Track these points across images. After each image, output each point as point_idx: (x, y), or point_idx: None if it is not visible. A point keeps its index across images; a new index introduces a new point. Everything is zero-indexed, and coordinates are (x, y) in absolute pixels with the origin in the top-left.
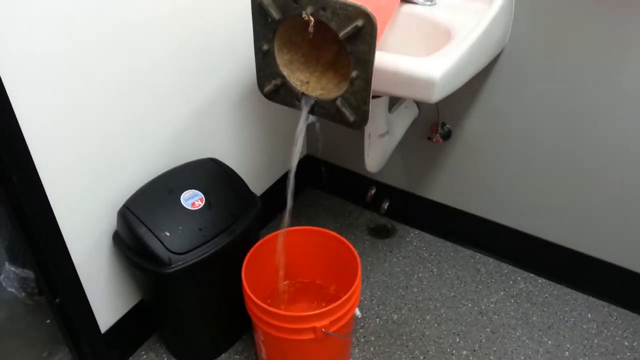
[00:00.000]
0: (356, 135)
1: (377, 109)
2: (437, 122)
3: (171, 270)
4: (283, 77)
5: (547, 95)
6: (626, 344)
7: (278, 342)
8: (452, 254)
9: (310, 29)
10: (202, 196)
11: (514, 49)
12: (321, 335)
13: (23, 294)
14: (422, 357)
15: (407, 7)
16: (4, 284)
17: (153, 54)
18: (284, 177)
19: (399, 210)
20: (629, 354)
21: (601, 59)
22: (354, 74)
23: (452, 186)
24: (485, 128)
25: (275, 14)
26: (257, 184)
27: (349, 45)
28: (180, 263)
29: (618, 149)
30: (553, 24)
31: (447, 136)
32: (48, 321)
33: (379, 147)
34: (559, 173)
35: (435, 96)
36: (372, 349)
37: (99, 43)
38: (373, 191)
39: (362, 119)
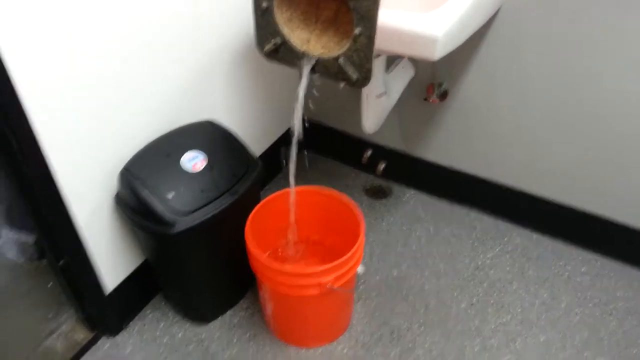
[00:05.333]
0: (352, 97)
1: (374, 69)
2: (434, 82)
3: (176, 231)
4: (283, 35)
5: (543, 54)
6: (618, 294)
7: (284, 298)
8: (448, 212)
9: None
10: (203, 158)
11: (511, 7)
12: (326, 291)
13: (22, 259)
14: (422, 310)
15: None
16: (2, 250)
17: (150, 13)
18: (282, 138)
19: (395, 171)
20: (621, 304)
21: (599, 18)
22: (357, 30)
23: (447, 146)
24: (481, 87)
25: None
26: (255, 146)
27: (352, 1)
28: (185, 224)
29: (614, 107)
30: None
31: (443, 96)
32: (50, 284)
33: (376, 108)
34: (554, 131)
35: (438, 53)
36: (373, 303)
37: (97, 2)
38: (369, 153)
39: (365, 76)
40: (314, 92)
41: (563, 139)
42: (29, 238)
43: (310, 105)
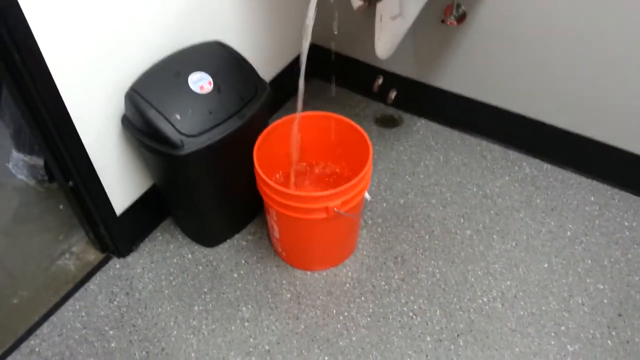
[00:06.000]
0: (363, 22)
1: None
2: (452, 3)
3: (184, 153)
4: None
5: None
6: (626, 224)
7: (291, 222)
8: (458, 142)
9: None
10: (211, 79)
11: None
12: (333, 215)
13: (33, 182)
14: (427, 237)
15: None
16: (13, 171)
17: None
18: (291, 65)
19: (407, 100)
20: (628, 233)
21: None
22: None
23: (461, 73)
24: (500, 10)
25: None
26: (265, 71)
27: None
28: (193, 146)
29: (633, 38)
30: None
31: (461, 19)
32: (61, 207)
33: (390, 31)
34: (570, 59)
35: None
36: (379, 229)
37: None
38: (380, 81)
39: None
40: (326, 15)
41: (580, 67)
42: (38, 161)
43: (335, 30)
